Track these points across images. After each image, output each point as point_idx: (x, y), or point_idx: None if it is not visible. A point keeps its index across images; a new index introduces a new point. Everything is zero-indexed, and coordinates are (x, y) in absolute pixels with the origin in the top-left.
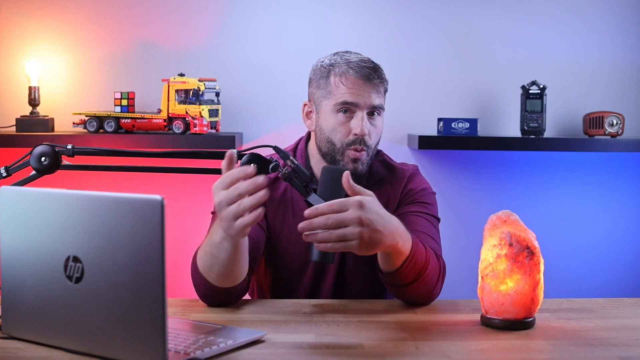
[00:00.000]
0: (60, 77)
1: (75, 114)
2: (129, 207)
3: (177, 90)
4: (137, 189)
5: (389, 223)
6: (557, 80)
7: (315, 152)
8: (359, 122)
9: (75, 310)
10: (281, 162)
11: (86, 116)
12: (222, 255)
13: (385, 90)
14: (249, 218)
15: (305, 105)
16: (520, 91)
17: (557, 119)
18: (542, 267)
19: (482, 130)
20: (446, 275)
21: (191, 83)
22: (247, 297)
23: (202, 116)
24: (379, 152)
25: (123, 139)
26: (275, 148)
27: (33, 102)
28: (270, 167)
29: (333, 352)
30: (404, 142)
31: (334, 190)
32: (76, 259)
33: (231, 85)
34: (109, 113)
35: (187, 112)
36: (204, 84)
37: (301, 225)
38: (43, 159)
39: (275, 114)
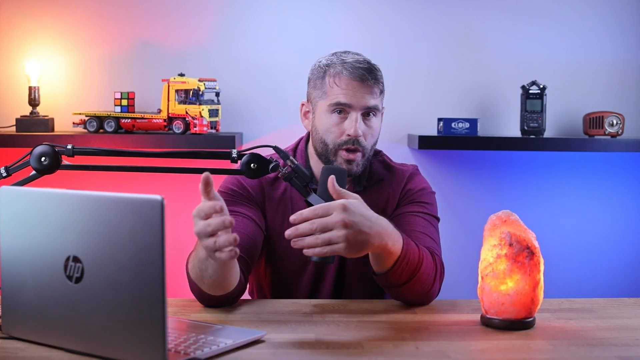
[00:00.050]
0: (60, 77)
1: (75, 114)
2: (129, 207)
3: (177, 90)
4: (137, 189)
5: (376, 224)
6: (557, 80)
7: (314, 152)
8: (352, 123)
9: (75, 310)
10: (281, 162)
11: (86, 116)
12: (210, 270)
13: (381, 92)
14: (224, 255)
15: (302, 105)
16: (520, 91)
17: (557, 119)
18: (542, 267)
19: (482, 130)
20: (446, 275)
21: (191, 83)
22: (247, 297)
23: (202, 116)
24: (378, 153)
25: (123, 139)
26: (275, 148)
27: (33, 102)
28: (270, 167)
29: (333, 352)
30: (404, 142)
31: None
32: (76, 259)
33: (231, 85)
34: (109, 113)
35: (187, 112)
36: (204, 84)
37: (288, 232)
38: (43, 159)
39: (275, 114)
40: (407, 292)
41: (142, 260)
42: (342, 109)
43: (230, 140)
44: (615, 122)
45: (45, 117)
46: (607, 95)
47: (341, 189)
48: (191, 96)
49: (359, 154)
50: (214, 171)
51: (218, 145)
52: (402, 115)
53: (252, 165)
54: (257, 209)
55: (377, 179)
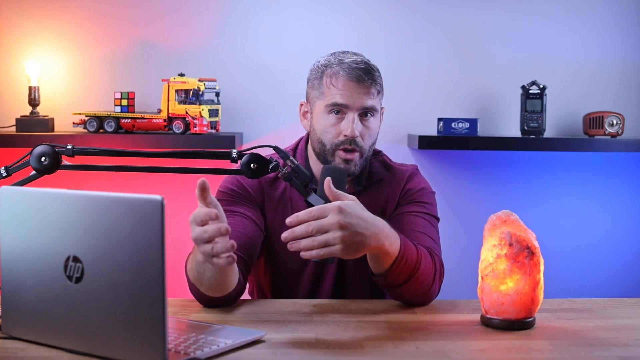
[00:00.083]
0: (60, 77)
1: (75, 114)
2: (129, 207)
3: (177, 90)
4: (137, 189)
5: (372, 225)
6: (557, 80)
7: (313, 152)
8: (349, 123)
9: (75, 310)
10: (281, 162)
11: (86, 116)
12: (208, 274)
13: (378, 92)
14: (222, 262)
15: (301, 105)
16: (520, 91)
17: (557, 119)
18: (542, 267)
19: (482, 130)
20: (446, 275)
21: (191, 83)
22: (246, 296)
23: (202, 116)
24: (378, 153)
25: (123, 139)
26: (275, 148)
27: (33, 102)
28: (270, 167)
29: (333, 352)
30: (404, 142)
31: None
32: (76, 259)
33: (231, 85)
34: (109, 113)
35: (187, 112)
36: (204, 84)
37: (284, 235)
38: (43, 159)
39: (275, 114)
40: (406, 292)
41: (142, 260)
42: (339, 110)
43: (230, 140)
44: (615, 122)
45: (45, 117)
46: (607, 95)
47: (337, 190)
48: (191, 96)
49: (356, 154)
50: (214, 171)
51: (218, 145)
52: (402, 115)
53: (252, 165)
54: (257, 209)
55: (377, 179)
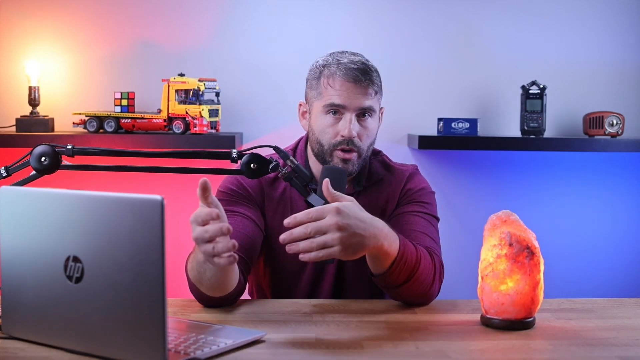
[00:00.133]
0: (60, 77)
1: (75, 114)
2: (129, 207)
3: (177, 90)
4: (137, 189)
5: (371, 226)
6: (557, 80)
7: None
8: (346, 124)
9: (75, 310)
10: (281, 162)
11: (86, 116)
12: (208, 273)
13: (376, 93)
14: (223, 261)
15: (300, 105)
16: (520, 91)
17: (557, 119)
18: (542, 267)
19: (482, 130)
20: (446, 275)
21: (191, 83)
22: (246, 297)
23: (202, 116)
24: (378, 153)
25: (123, 139)
26: (275, 148)
27: (33, 102)
28: (270, 167)
29: (333, 352)
30: (404, 142)
31: (334, 189)
32: (76, 259)
33: (231, 85)
34: (109, 113)
35: (187, 112)
36: (204, 84)
37: (282, 237)
38: (43, 159)
39: (275, 114)
40: (406, 292)
41: (142, 260)
42: (336, 110)
43: (230, 140)
44: (615, 122)
45: (45, 117)
46: (607, 95)
47: (335, 191)
48: (191, 96)
49: (354, 154)
50: (214, 171)
51: (218, 145)
52: (402, 115)
53: (252, 165)
54: (257, 209)
55: (377, 179)
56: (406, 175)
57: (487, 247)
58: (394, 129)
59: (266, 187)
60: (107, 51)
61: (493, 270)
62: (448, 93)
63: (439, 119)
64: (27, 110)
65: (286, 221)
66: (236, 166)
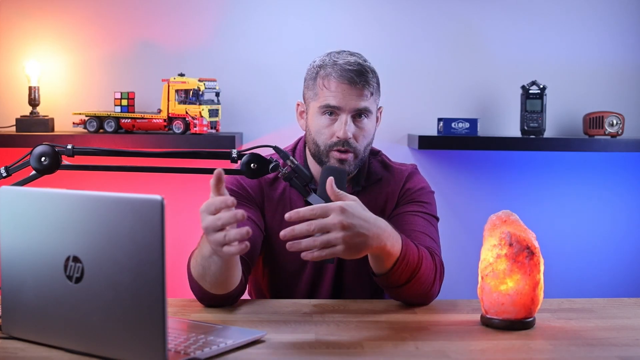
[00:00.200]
0: (60, 77)
1: (75, 114)
2: (129, 207)
3: (177, 90)
4: (137, 189)
5: (374, 225)
6: (557, 80)
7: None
8: (341, 125)
9: (75, 310)
10: (281, 162)
11: (86, 116)
12: (213, 268)
13: (372, 94)
14: (234, 249)
15: (298, 105)
16: (520, 91)
17: (557, 119)
18: (542, 267)
19: (482, 130)
20: (446, 275)
21: (191, 83)
22: (246, 297)
23: (202, 116)
24: (377, 153)
25: (123, 139)
26: (275, 148)
27: (33, 102)
28: (270, 167)
29: (333, 352)
30: (404, 142)
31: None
32: (76, 259)
33: (231, 85)
34: (109, 113)
35: (187, 112)
36: (204, 84)
37: (283, 232)
38: (43, 159)
39: (275, 114)
40: (407, 292)
41: (142, 260)
42: (332, 111)
43: (230, 140)
44: (615, 122)
45: (45, 117)
46: (607, 95)
47: (339, 190)
48: (191, 96)
49: (350, 155)
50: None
51: (218, 145)
52: (402, 115)
53: (252, 165)
54: (257, 209)
55: (376, 179)
56: (405, 174)
57: (487, 247)
58: (394, 129)
59: (266, 188)
60: (107, 51)
61: (493, 270)
62: (448, 93)
63: (439, 119)
64: (27, 110)
65: (287, 215)
66: (236, 166)
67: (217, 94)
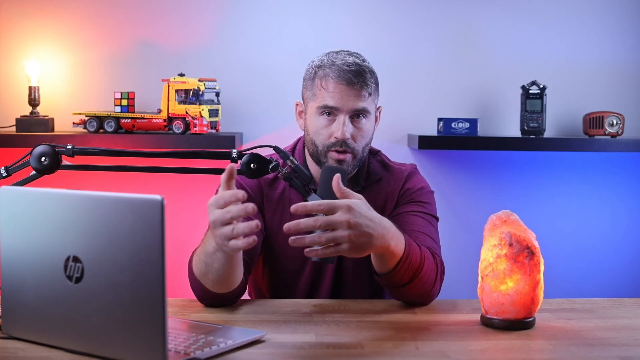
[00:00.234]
0: (60, 77)
1: (75, 114)
2: (129, 207)
3: (177, 90)
4: (137, 189)
5: (379, 225)
6: (557, 80)
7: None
8: (339, 126)
9: (75, 310)
10: (281, 162)
11: (86, 116)
12: (216, 264)
13: (370, 94)
14: (242, 243)
15: (297, 105)
16: (520, 91)
17: (557, 119)
18: (542, 267)
19: (482, 130)
20: (446, 275)
21: (191, 83)
22: (246, 297)
23: (202, 116)
24: (377, 152)
25: (123, 139)
26: (275, 148)
27: (33, 102)
28: (270, 167)
29: (333, 352)
30: (404, 142)
31: (334, 189)
32: (76, 259)
33: (231, 85)
34: (109, 113)
35: (187, 112)
36: (204, 84)
37: (287, 225)
38: (43, 159)
39: (275, 114)
40: (409, 292)
41: (142, 260)
42: (330, 112)
43: (230, 140)
44: (615, 122)
45: (45, 117)
46: (607, 95)
47: (346, 188)
48: (191, 96)
49: (348, 155)
50: (214, 171)
51: (218, 145)
52: (402, 115)
53: (252, 165)
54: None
55: (376, 179)
56: (405, 174)
57: (487, 247)
58: (394, 129)
59: (265, 188)
60: (107, 51)
61: (493, 270)
62: (448, 93)
63: (439, 119)
64: (27, 110)
65: (294, 207)
66: (236, 166)
67: (217, 94)
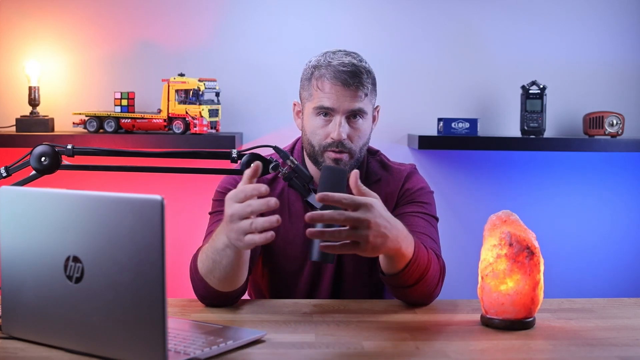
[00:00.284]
0: (60, 77)
1: (75, 114)
2: (129, 207)
3: (177, 90)
4: (137, 189)
5: (394, 227)
6: (557, 80)
7: None
8: (335, 126)
9: (75, 310)
10: (281, 162)
11: (86, 116)
12: (225, 261)
13: (366, 95)
14: (259, 238)
15: (295, 104)
16: (520, 91)
17: (557, 119)
18: (542, 267)
19: (482, 130)
20: (446, 275)
21: (191, 83)
22: (246, 297)
23: (202, 116)
24: (376, 152)
25: (123, 139)
26: (275, 148)
27: (33, 102)
28: (271, 167)
29: (333, 352)
30: (404, 142)
31: (334, 189)
32: (76, 259)
33: (231, 85)
34: (109, 113)
35: (187, 112)
36: (204, 84)
37: (310, 215)
38: (43, 159)
39: (275, 114)
40: (414, 293)
41: (142, 260)
42: (326, 112)
43: (230, 140)
44: (615, 122)
45: (45, 117)
46: (607, 95)
47: (364, 186)
48: (191, 96)
49: (345, 155)
50: (214, 171)
51: (218, 145)
52: (402, 115)
53: (252, 165)
54: None
55: (375, 179)
56: (404, 174)
57: (487, 247)
58: (394, 129)
59: None
60: (107, 51)
61: (493, 270)
62: (448, 93)
63: (439, 119)
64: (27, 110)
65: (320, 195)
66: (236, 166)
67: (217, 94)
